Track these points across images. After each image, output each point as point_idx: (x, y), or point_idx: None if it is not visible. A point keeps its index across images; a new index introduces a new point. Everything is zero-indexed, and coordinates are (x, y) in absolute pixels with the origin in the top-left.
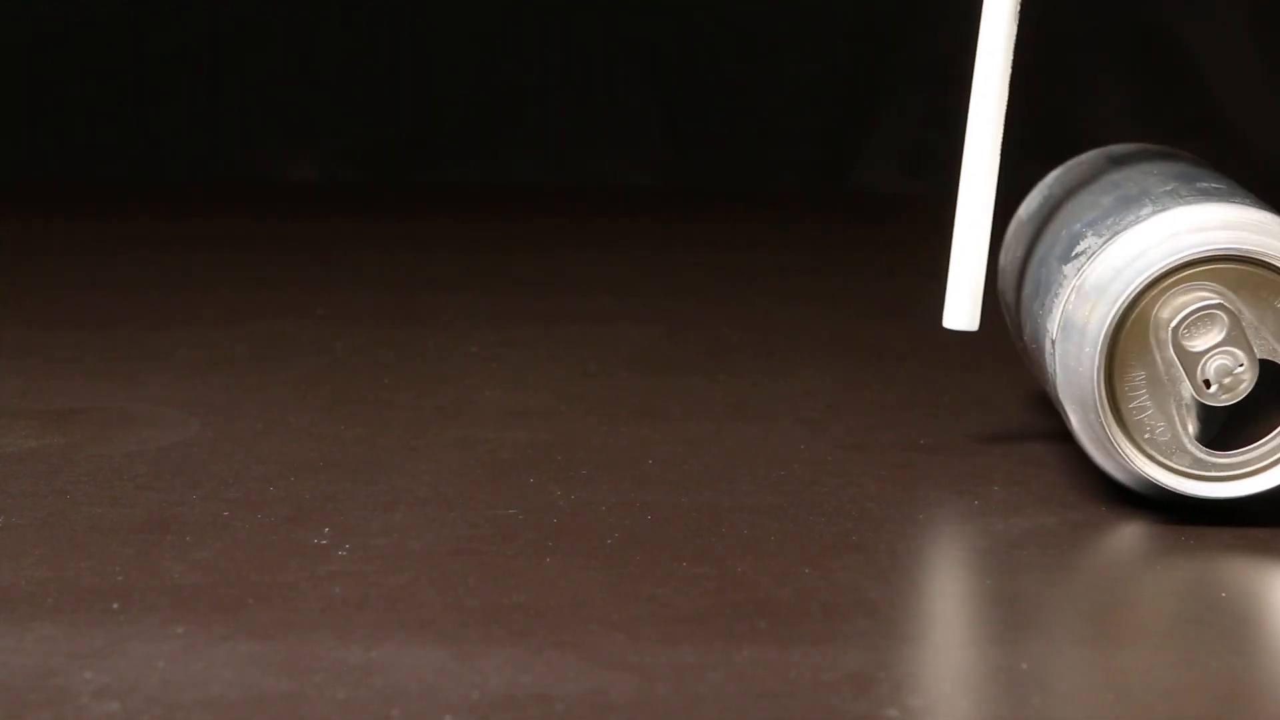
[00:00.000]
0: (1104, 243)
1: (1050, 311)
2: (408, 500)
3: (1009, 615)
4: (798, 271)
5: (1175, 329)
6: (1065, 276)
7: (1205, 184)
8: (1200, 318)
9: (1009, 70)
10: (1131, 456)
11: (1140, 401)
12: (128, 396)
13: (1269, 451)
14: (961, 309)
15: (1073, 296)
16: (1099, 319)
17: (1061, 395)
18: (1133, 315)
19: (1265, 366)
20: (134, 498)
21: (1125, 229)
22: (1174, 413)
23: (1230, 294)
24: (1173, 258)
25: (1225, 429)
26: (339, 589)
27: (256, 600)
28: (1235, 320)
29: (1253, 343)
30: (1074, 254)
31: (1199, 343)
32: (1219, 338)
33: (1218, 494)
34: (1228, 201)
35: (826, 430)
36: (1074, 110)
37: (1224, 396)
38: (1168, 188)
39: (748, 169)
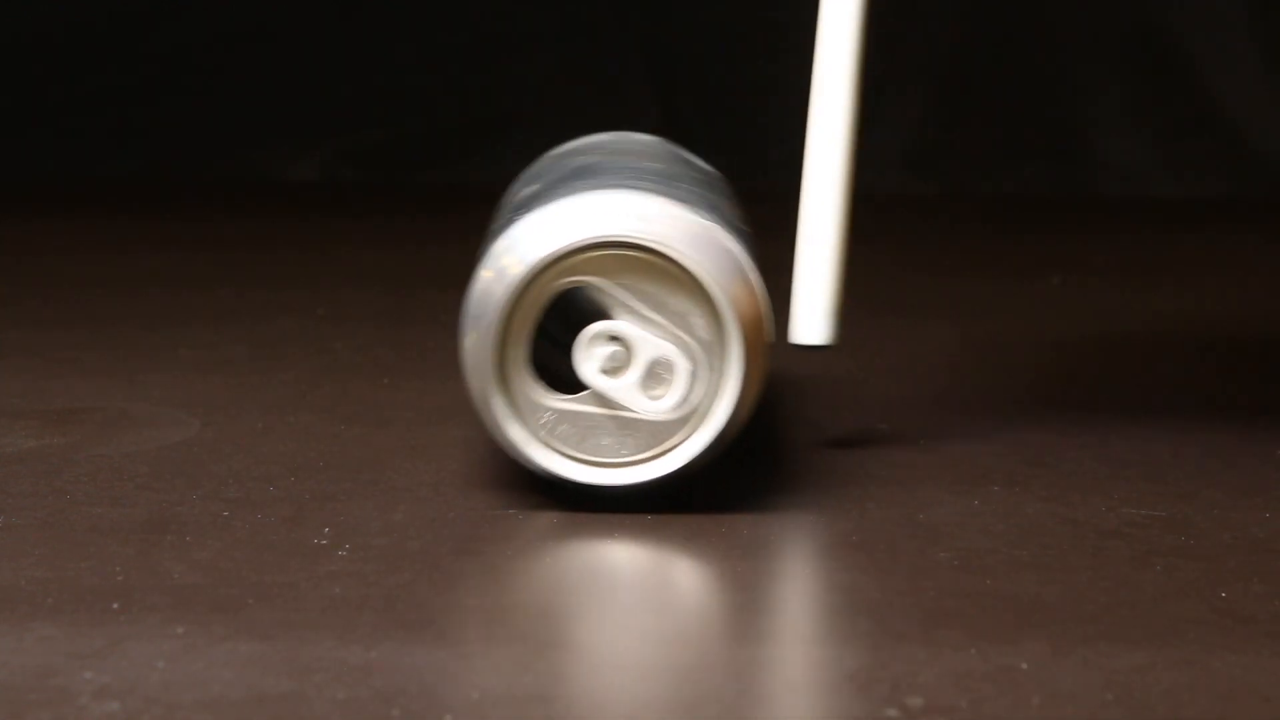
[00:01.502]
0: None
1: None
2: (408, 500)
3: (1009, 615)
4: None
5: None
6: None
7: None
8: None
9: (854, 82)
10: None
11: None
12: (128, 396)
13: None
14: (813, 323)
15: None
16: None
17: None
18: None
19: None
20: (134, 498)
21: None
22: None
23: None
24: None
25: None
26: (339, 589)
27: (256, 600)
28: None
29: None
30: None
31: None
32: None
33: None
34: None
35: (826, 430)
36: (1074, 110)
37: (626, 367)
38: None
39: (748, 169)
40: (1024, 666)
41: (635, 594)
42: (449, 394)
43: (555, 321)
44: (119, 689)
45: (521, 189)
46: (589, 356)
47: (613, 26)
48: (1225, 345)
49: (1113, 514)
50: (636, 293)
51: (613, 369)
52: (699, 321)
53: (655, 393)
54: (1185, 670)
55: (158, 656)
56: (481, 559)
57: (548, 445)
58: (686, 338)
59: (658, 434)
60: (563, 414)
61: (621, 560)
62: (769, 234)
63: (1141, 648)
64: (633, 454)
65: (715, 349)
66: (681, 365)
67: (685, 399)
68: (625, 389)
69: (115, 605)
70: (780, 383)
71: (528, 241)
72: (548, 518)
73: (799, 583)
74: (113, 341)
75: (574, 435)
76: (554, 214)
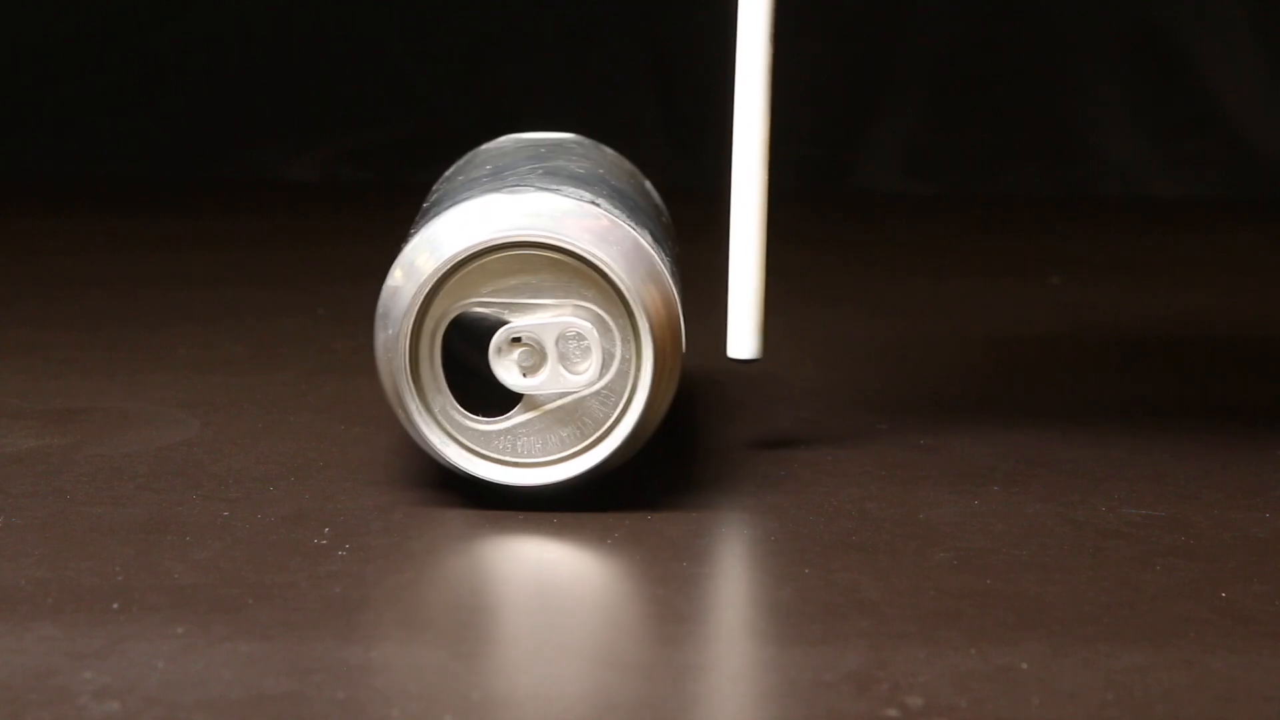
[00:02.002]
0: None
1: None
2: (408, 500)
3: (1009, 615)
4: (797, 271)
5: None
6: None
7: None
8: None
9: (769, 91)
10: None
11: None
12: (128, 396)
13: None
14: (745, 338)
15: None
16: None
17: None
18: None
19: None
20: (134, 498)
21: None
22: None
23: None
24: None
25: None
26: (339, 589)
27: (256, 600)
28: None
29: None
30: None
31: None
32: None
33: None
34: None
35: (827, 430)
36: (1074, 110)
37: (537, 357)
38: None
39: None
40: (1024, 666)
41: (635, 594)
42: None
43: (473, 351)
44: (119, 689)
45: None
46: (505, 366)
47: (613, 26)
48: (1225, 345)
49: (1113, 514)
50: (521, 289)
51: (531, 366)
52: (590, 293)
53: (579, 368)
54: (1185, 670)
55: (158, 656)
56: (481, 559)
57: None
58: (581, 304)
59: (587, 427)
60: (514, 430)
61: (621, 560)
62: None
63: (1141, 648)
64: (560, 450)
65: (624, 331)
66: (588, 330)
67: (606, 362)
68: (550, 378)
69: (115, 605)
70: (778, 383)
71: (424, 251)
72: (547, 518)
73: (799, 582)
74: (113, 341)
75: (538, 444)
76: (450, 221)
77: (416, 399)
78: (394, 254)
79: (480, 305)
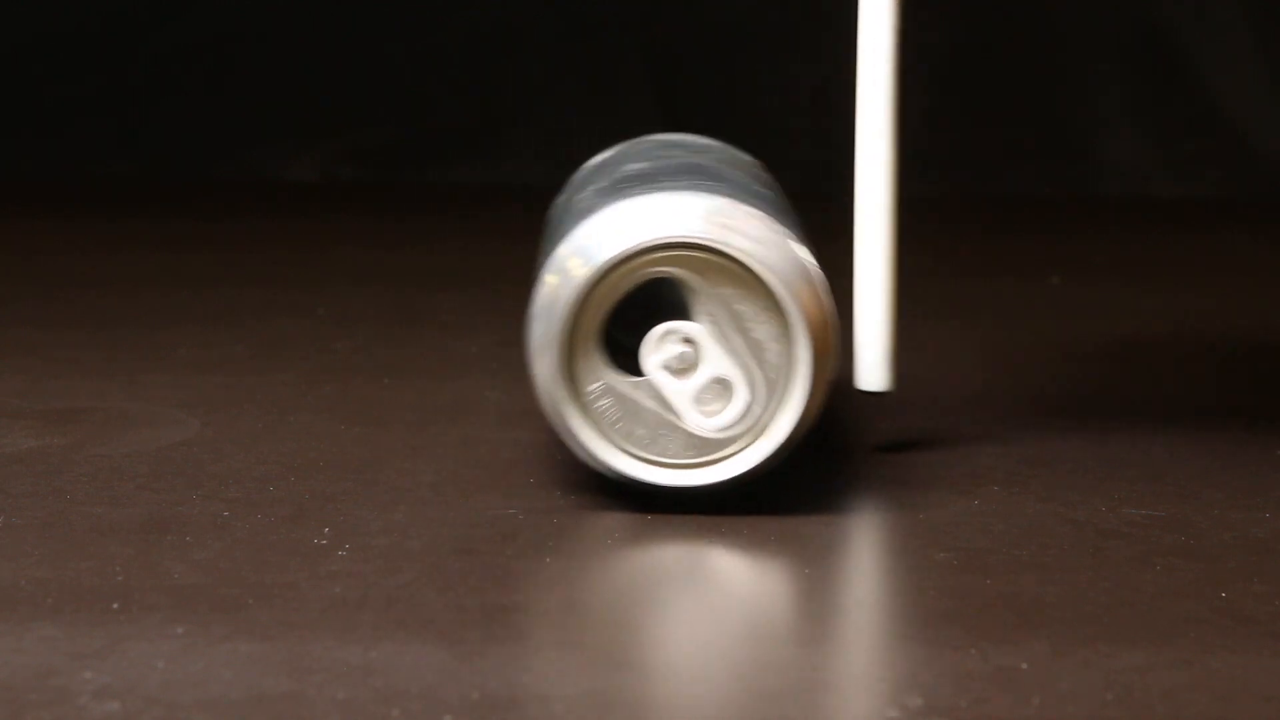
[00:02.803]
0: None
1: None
2: (408, 500)
3: (1009, 615)
4: None
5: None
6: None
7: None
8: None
9: (895, 107)
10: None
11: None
12: (128, 396)
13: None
14: (875, 370)
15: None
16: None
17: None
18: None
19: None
20: (134, 498)
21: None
22: (666, 415)
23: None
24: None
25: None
26: (339, 589)
27: (256, 600)
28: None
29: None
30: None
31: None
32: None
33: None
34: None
35: (827, 430)
36: (1074, 110)
37: (689, 365)
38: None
39: None
40: (1024, 666)
41: (635, 594)
42: (449, 394)
43: (636, 308)
44: (119, 689)
45: (582, 190)
46: (658, 350)
47: (613, 26)
48: (1225, 345)
49: (1113, 514)
50: (722, 301)
51: (678, 370)
52: (774, 348)
53: (709, 407)
54: (1185, 670)
55: (158, 656)
56: (481, 559)
57: (613, 443)
58: (756, 368)
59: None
60: (610, 389)
61: (620, 561)
62: None
63: (1141, 648)
64: (676, 457)
65: (782, 369)
66: (741, 394)
67: (732, 425)
68: (682, 394)
69: (115, 605)
70: None
71: (600, 239)
72: (547, 518)
73: (799, 582)
74: (113, 341)
75: (612, 413)
76: (634, 210)
77: (571, 399)
78: (394, 254)
79: (691, 287)
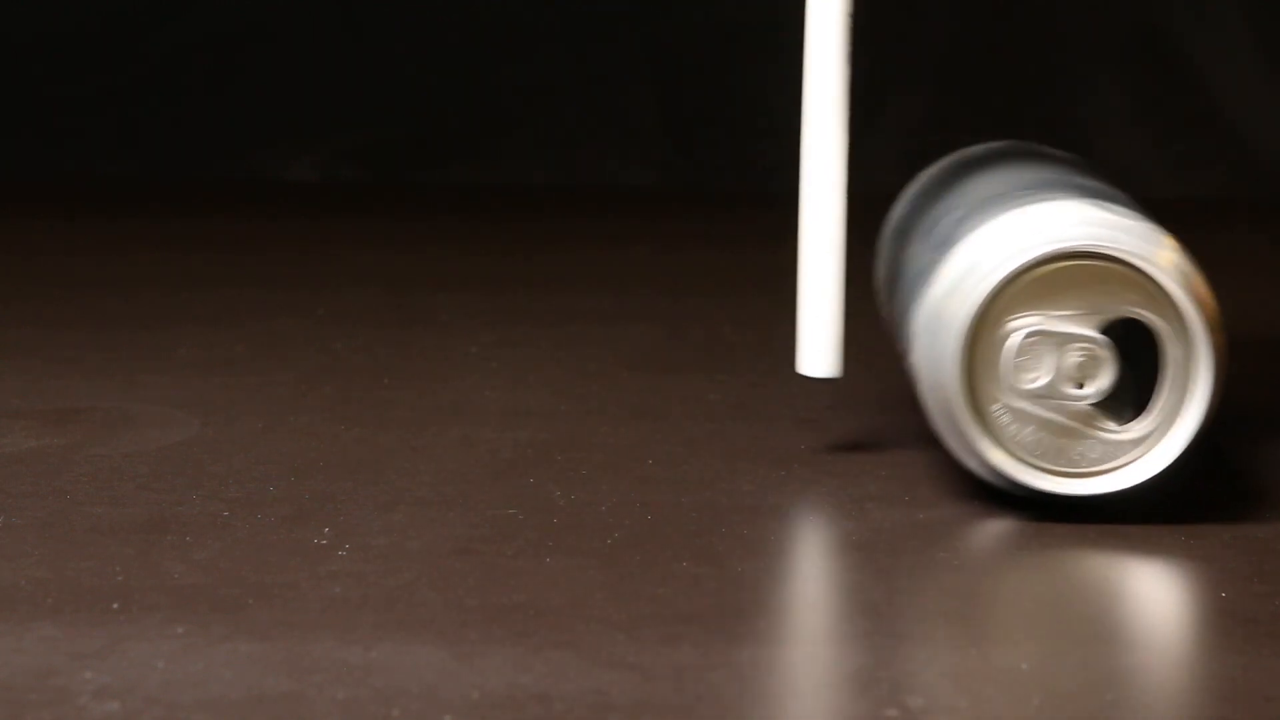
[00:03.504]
0: (976, 228)
1: (918, 289)
2: (408, 500)
3: (1009, 615)
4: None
5: (1014, 384)
6: (932, 260)
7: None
8: (1026, 352)
9: (844, 108)
10: (976, 430)
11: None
12: (128, 396)
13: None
14: (821, 356)
15: (936, 279)
16: (961, 302)
17: (920, 366)
18: (992, 312)
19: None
20: (134, 498)
21: (995, 217)
22: (1073, 424)
23: (1042, 307)
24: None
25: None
26: (339, 589)
27: (256, 600)
28: (1053, 329)
29: (1081, 331)
30: (945, 240)
31: (1040, 373)
32: (1053, 353)
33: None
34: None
35: (826, 430)
36: (1074, 110)
37: (1099, 385)
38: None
39: (748, 169)
40: (1024, 666)
41: (634, 594)
42: (449, 394)
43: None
44: (119, 689)
45: (945, 208)
46: (1058, 360)
47: (613, 26)
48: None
49: (1113, 514)
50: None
51: (1078, 378)
52: (1173, 352)
53: (1109, 415)
54: (1185, 670)
55: (158, 656)
56: (481, 559)
57: (1013, 455)
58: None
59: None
60: (1009, 401)
61: (620, 562)
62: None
63: (1141, 648)
64: (1081, 466)
65: (1180, 371)
66: (1139, 401)
67: (1136, 431)
68: (1083, 403)
69: (115, 605)
70: (776, 385)
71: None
72: (547, 518)
73: (799, 582)
74: (113, 341)
75: (1012, 426)
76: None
77: (968, 409)
78: (394, 254)
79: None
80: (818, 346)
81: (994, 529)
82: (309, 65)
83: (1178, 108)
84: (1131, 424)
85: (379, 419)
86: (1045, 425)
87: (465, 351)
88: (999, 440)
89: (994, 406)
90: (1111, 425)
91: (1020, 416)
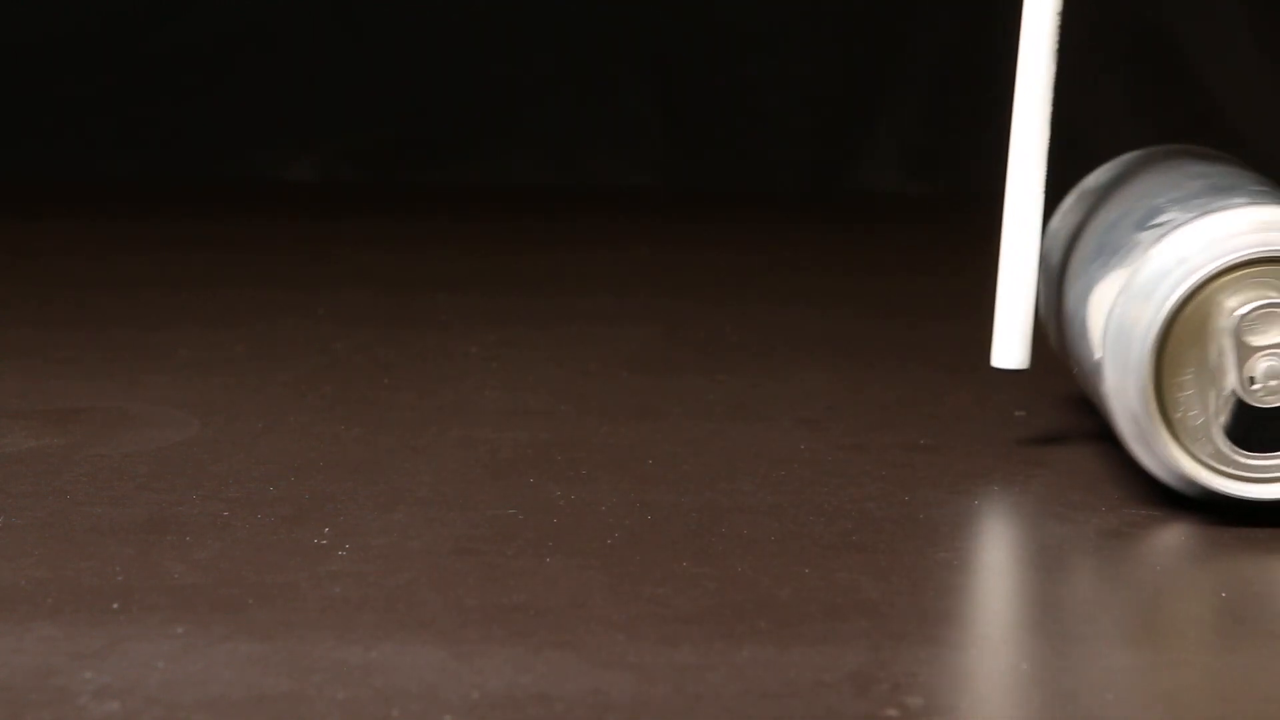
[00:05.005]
0: (1192, 218)
1: (1111, 272)
2: (408, 500)
3: (1009, 615)
4: (798, 271)
5: (1242, 317)
6: (1139, 242)
7: None
8: (1266, 315)
9: (1050, 104)
10: (1160, 431)
11: (1184, 378)
12: (128, 396)
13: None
14: (1012, 347)
15: (1145, 262)
16: (1170, 285)
17: (1108, 353)
18: (1204, 292)
19: None
20: (134, 498)
21: (1217, 210)
22: (1211, 401)
23: None
24: (1261, 249)
25: (1260, 432)
26: (339, 589)
27: (256, 600)
28: None
29: None
30: (1153, 224)
31: (1258, 339)
32: (1277, 339)
33: (1241, 493)
34: None
35: (826, 430)
36: (1074, 110)
37: (1268, 397)
38: (1261, 187)
39: (748, 169)
40: (1024, 667)
41: (632, 594)
42: (449, 394)
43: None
44: (119, 689)
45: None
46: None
47: (613, 27)
48: None
49: (1113, 514)
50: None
51: (1271, 384)
52: None
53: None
54: (1185, 670)
55: (158, 656)
56: (481, 559)
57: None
58: None
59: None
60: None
61: (620, 562)
62: (778, 240)
63: (1141, 648)
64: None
65: None
66: None
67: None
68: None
69: (115, 605)
70: (779, 383)
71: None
72: (547, 518)
73: (799, 582)
74: (113, 341)
75: (1197, 426)
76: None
77: (1155, 407)
78: (394, 254)
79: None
80: (1009, 339)
81: (992, 529)
82: (309, 65)
83: (1178, 108)
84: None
85: (379, 419)
86: (1204, 383)
87: (465, 351)
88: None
89: (1184, 375)
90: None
91: (1200, 378)
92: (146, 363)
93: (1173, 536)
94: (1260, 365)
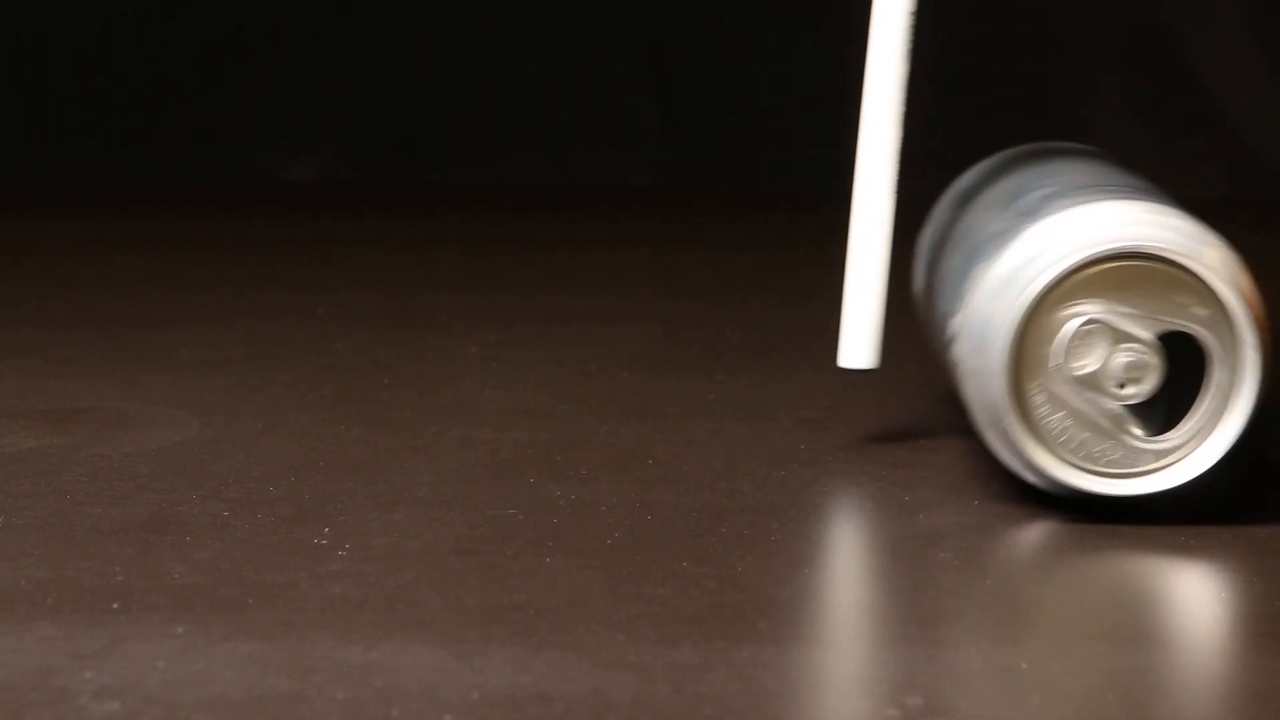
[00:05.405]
0: (1038, 220)
1: (972, 269)
2: (408, 500)
3: (1009, 615)
4: (797, 271)
5: (1062, 365)
6: (1000, 239)
7: (1090, 183)
8: (1082, 339)
9: (901, 102)
10: (1041, 459)
11: (1038, 382)
12: (128, 396)
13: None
14: (860, 347)
15: (999, 261)
16: (1024, 282)
17: (966, 350)
18: (1059, 290)
19: (1175, 340)
20: (134, 498)
21: (1068, 209)
22: (1102, 422)
23: (1106, 299)
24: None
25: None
26: (339, 589)
27: (256, 600)
28: (1112, 323)
29: (1136, 332)
30: (1012, 220)
31: (1090, 362)
32: (1106, 347)
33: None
34: (1112, 199)
35: (826, 430)
36: (1074, 110)
37: (1140, 389)
38: (1123, 182)
39: (748, 169)
40: (1024, 666)
41: (631, 594)
42: (449, 394)
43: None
44: (119, 689)
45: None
46: (1107, 361)
47: (613, 27)
48: None
49: (1112, 514)
50: (1124, 300)
51: (1126, 380)
52: (1188, 300)
53: (1153, 415)
54: (1185, 670)
55: (158, 656)
56: (481, 559)
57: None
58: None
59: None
60: (1053, 400)
61: (620, 562)
62: (781, 240)
63: (1141, 648)
64: (1121, 466)
65: (1226, 369)
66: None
67: (1176, 435)
68: (1126, 404)
69: (115, 605)
70: (778, 384)
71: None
72: (547, 518)
73: (799, 583)
74: (113, 341)
75: (1055, 424)
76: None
77: (1014, 410)
78: (394, 254)
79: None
80: (857, 338)
81: (995, 530)
82: (309, 65)
83: (1178, 108)
84: (1165, 435)
85: (379, 419)
86: (1077, 415)
87: (465, 351)
88: (1030, 421)
89: (1034, 384)
90: (1139, 433)
91: (1055, 401)
92: (146, 363)
93: (1162, 538)
94: (1112, 366)
